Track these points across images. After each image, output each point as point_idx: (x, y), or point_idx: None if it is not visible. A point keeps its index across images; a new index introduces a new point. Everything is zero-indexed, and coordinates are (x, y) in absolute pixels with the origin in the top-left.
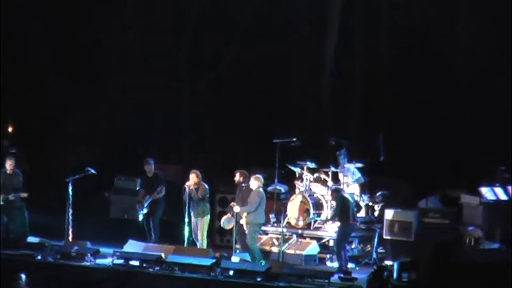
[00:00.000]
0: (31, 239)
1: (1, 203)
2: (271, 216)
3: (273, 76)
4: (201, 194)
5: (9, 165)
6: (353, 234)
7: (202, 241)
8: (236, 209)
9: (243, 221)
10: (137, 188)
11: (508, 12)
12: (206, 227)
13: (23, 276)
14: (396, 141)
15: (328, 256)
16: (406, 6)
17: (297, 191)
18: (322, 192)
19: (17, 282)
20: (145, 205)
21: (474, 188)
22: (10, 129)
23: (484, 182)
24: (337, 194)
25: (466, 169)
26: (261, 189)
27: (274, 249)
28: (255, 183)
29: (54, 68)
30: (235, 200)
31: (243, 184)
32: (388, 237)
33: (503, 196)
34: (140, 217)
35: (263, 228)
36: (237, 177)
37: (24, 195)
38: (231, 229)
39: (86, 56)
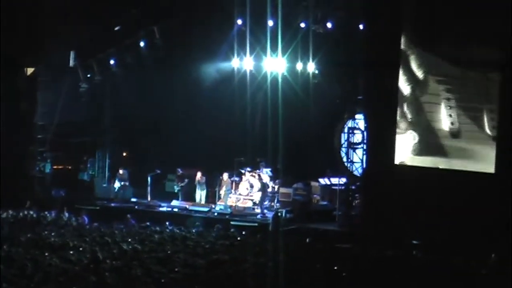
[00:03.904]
0: (133, 199)
1: (120, 185)
2: (232, 190)
3: (235, 123)
4: (203, 181)
5: (121, 172)
6: (266, 198)
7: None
8: (224, 189)
9: (222, 191)
10: (174, 178)
11: None
12: (205, 194)
13: (128, 215)
14: (287, 156)
15: (256, 207)
16: None
17: (243, 179)
18: (253, 181)
19: (127, 218)
20: (179, 186)
21: (316, 178)
22: (124, 154)
23: (319, 176)
24: (260, 181)
25: (313, 170)
26: (229, 179)
27: (233, 204)
28: (226, 176)
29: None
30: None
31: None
32: (281, 199)
33: (328, 182)
34: (176, 190)
35: (230, 194)
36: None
37: (127, 184)
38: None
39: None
